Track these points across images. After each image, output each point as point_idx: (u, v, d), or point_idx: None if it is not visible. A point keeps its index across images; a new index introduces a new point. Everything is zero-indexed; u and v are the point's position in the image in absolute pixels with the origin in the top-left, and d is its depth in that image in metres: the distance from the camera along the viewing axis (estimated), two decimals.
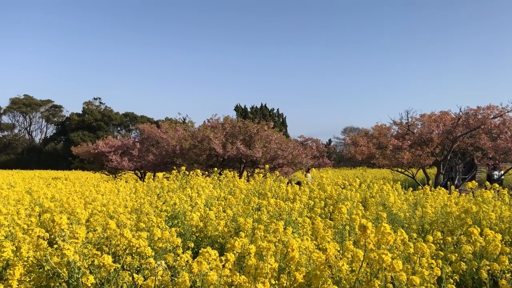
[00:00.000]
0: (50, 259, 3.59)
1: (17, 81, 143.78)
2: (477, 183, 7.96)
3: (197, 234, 5.79)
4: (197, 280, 3.33)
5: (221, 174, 11.28)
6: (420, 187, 9.62)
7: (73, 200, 7.22)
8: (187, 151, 20.23)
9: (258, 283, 3.19)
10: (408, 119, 18.81)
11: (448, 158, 18.77)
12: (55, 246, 3.76)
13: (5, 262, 3.84)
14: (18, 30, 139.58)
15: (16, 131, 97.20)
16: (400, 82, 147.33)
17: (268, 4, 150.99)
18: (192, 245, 5.16)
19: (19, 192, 9.47)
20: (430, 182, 15.68)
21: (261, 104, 61.01)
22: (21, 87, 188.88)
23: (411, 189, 10.01)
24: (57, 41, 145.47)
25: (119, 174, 29.28)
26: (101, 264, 3.46)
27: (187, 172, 10.22)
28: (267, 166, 12.33)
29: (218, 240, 5.62)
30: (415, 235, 5.46)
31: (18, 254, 3.71)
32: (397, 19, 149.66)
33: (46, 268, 3.68)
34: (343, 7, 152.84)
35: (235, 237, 3.80)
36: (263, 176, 10.57)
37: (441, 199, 8.26)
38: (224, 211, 6.40)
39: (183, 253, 4.04)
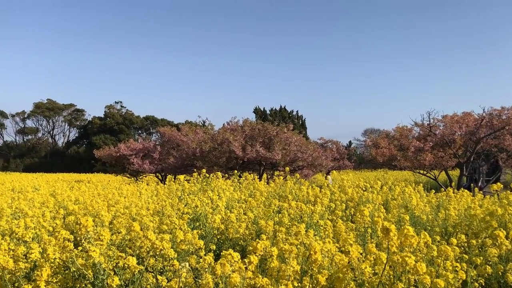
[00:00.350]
0: (76, 260, 3.66)
1: (41, 86, 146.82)
2: (502, 185, 7.80)
3: (218, 237, 5.82)
4: (220, 282, 3.36)
5: (241, 177, 11.31)
6: (442, 189, 9.48)
7: (97, 202, 7.35)
8: (207, 153, 20.36)
9: (281, 285, 3.20)
10: (429, 120, 18.59)
11: (471, 159, 18.46)
12: (80, 248, 3.84)
13: (32, 263, 3.93)
14: (41, 36, 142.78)
15: (39, 135, 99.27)
16: (422, 84, 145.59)
17: (288, 7, 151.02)
18: (214, 247, 5.19)
19: (43, 195, 9.67)
20: (453, 184, 15.47)
21: (280, 106, 60.96)
22: (44, 92, 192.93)
23: (433, 191, 9.88)
24: (79, 46, 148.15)
25: (140, 177, 29.63)
26: (126, 265, 3.51)
27: (207, 175, 10.28)
28: (287, 168, 12.30)
29: (239, 243, 5.64)
30: (438, 238, 5.39)
31: (44, 255, 3.79)
32: (417, 22, 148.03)
33: (72, 270, 3.76)
34: (363, 11, 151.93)
35: (257, 240, 3.81)
36: (283, 179, 10.57)
37: (464, 201, 8.13)
38: (245, 214, 6.43)
39: (205, 255, 4.07)
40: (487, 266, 4.43)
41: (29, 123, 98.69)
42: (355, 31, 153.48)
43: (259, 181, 11.35)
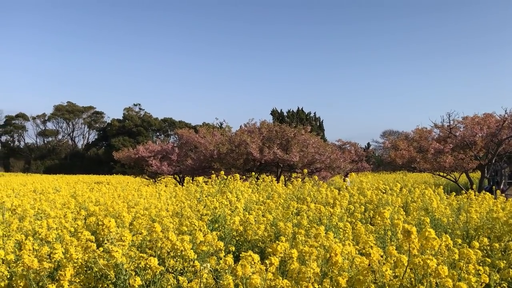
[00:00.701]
0: (98, 261, 3.71)
1: (61, 89, 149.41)
2: None
3: (237, 238, 5.84)
4: (240, 283, 3.37)
5: (259, 179, 11.32)
6: (463, 191, 9.35)
7: (117, 204, 7.43)
8: (224, 155, 20.41)
9: (301, 287, 3.20)
10: (449, 122, 18.35)
11: (493, 161, 18.15)
12: (101, 248, 3.89)
13: (56, 263, 4.00)
14: (60, 39, 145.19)
15: (59, 137, 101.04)
16: (442, 85, 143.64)
17: (307, 9, 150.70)
18: (233, 248, 5.20)
19: (64, 196, 9.82)
20: (474, 186, 15.23)
21: (298, 108, 60.68)
22: (64, 95, 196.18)
23: (454, 193, 9.75)
24: (99, 50, 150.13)
25: (158, 179, 29.85)
26: (147, 266, 3.55)
27: (225, 177, 10.31)
28: (305, 170, 12.29)
29: (258, 244, 5.64)
30: (459, 241, 5.32)
31: (67, 255, 3.85)
32: (436, 24, 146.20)
33: (94, 270, 3.81)
34: (381, 13, 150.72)
35: (276, 242, 3.82)
36: (301, 181, 10.55)
37: (486, 204, 8.00)
38: (263, 216, 6.43)
39: (224, 256, 4.08)
40: (511, 269, 4.36)
41: (50, 125, 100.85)
42: (374, 33, 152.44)
43: (277, 183, 11.35)
